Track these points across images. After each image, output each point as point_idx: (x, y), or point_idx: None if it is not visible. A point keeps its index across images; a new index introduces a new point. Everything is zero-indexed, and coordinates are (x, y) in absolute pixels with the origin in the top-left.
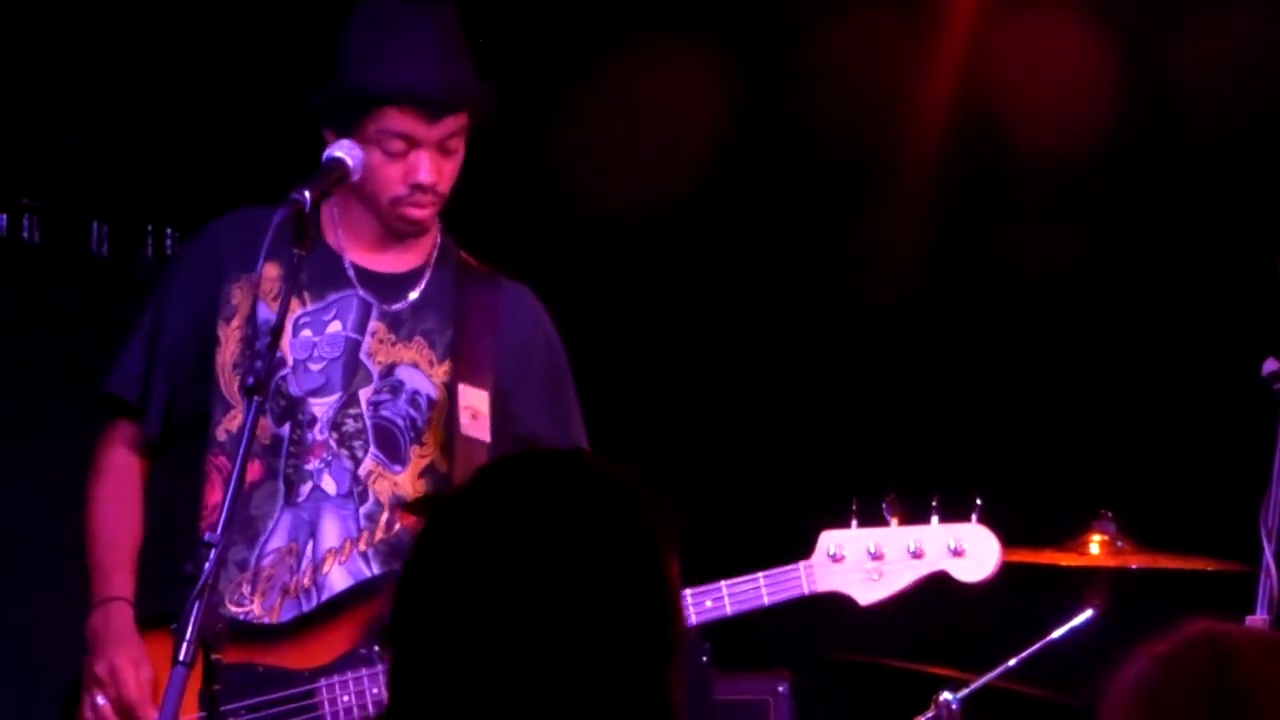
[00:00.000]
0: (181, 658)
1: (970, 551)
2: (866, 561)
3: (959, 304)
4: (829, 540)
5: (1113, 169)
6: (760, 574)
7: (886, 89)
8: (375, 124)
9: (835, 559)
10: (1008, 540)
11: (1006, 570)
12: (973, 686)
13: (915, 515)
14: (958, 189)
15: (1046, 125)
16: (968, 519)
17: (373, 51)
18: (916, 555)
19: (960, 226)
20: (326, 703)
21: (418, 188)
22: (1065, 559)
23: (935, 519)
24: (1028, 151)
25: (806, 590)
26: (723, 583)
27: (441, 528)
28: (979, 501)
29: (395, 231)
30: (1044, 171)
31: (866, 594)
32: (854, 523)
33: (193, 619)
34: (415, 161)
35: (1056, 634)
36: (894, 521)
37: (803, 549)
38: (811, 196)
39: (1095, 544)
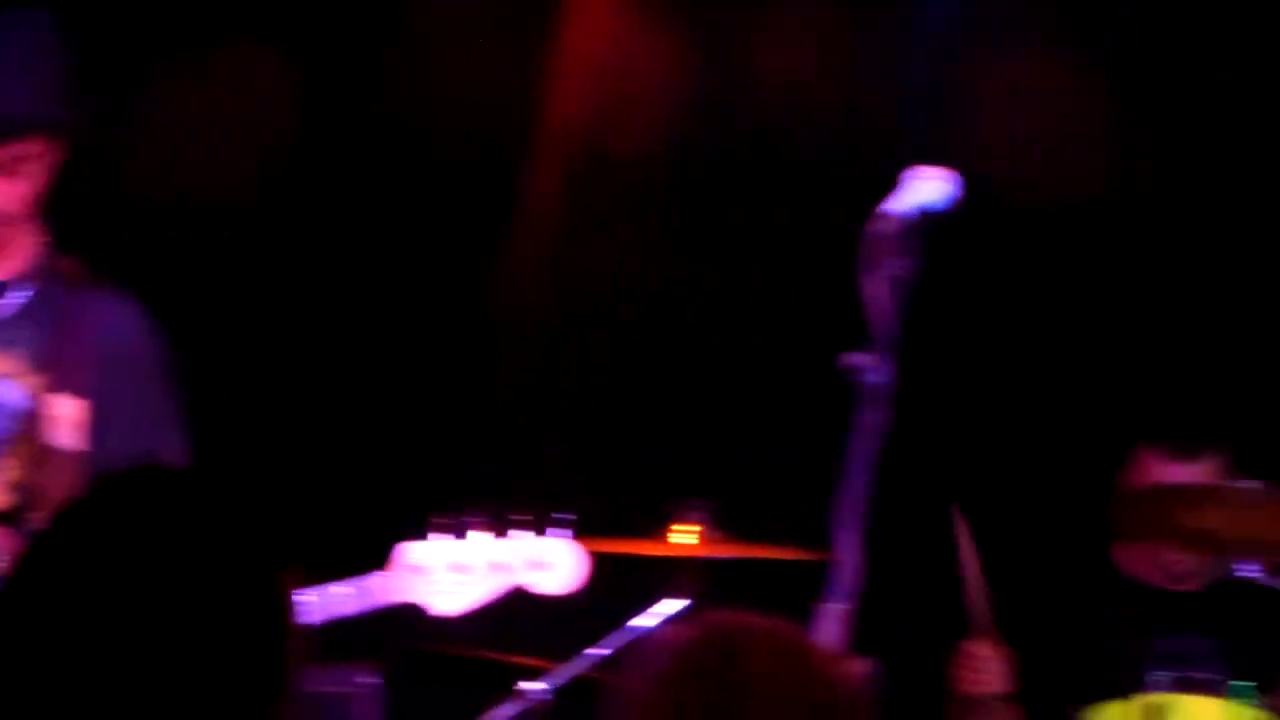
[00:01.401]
0: None
1: (551, 564)
2: (446, 573)
3: (550, 300)
4: (408, 551)
5: (689, 169)
6: (339, 583)
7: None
8: None
9: (414, 570)
10: (598, 530)
11: (599, 561)
12: (560, 675)
13: (496, 526)
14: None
15: (623, 127)
16: (549, 529)
17: None
18: (497, 568)
19: (560, 232)
20: None
21: None
22: (656, 548)
23: (517, 531)
24: (603, 154)
25: (384, 601)
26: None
27: (45, 544)
28: (560, 514)
29: None
30: (625, 176)
31: (445, 605)
32: (435, 534)
33: None
34: None
35: (648, 623)
36: (475, 533)
37: (382, 558)
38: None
39: (686, 533)
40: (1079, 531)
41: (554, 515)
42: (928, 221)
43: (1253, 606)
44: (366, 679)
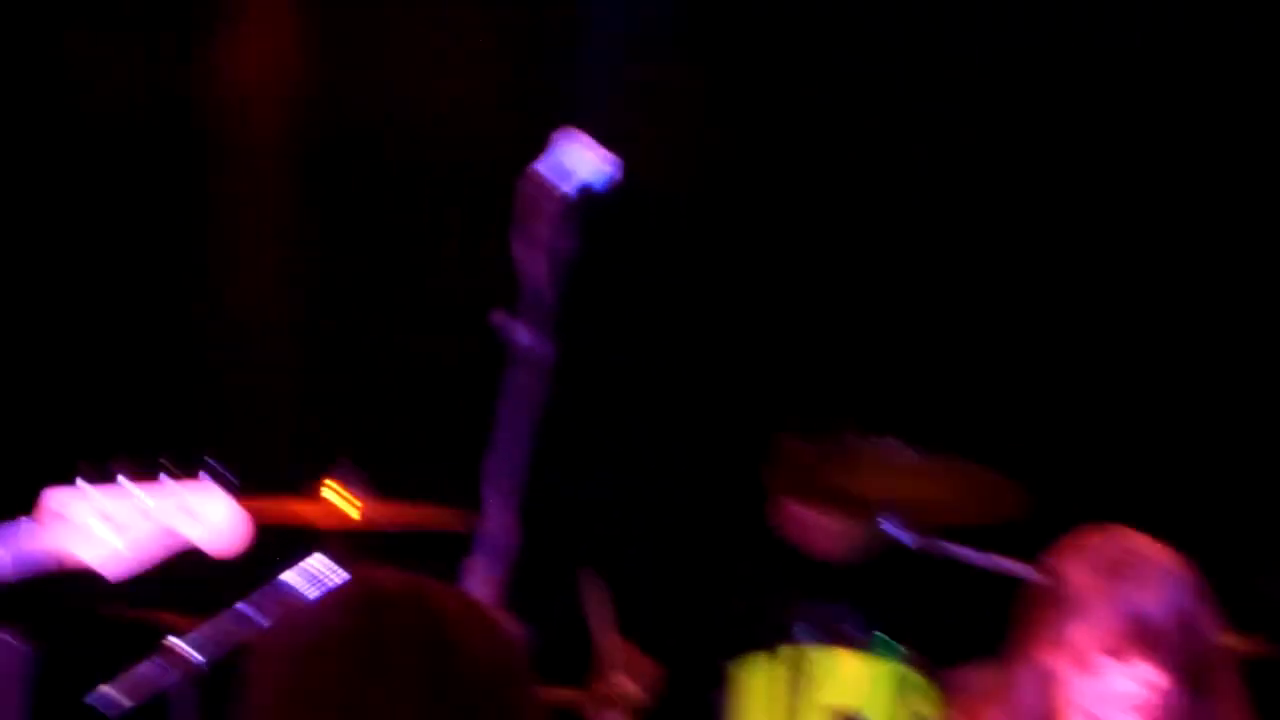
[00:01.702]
0: None
1: (205, 513)
2: (95, 521)
3: (209, 263)
4: (55, 498)
5: (347, 145)
6: None
7: None
8: None
9: (61, 519)
10: (248, 489)
11: (251, 519)
12: (207, 633)
13: (149, 475)
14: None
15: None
16: (203, 478)
17: None
18: (148, 515)
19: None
20: None
21: None
22: (305, 509)
23: (170, 480)
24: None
25: (29, 553)
26: None
27: None
28: (215, 465)
29: None
30: (285, 153)
31: (94, 554)
32: (85, 482)
33: None
34: None
35: (296, 581)
36: (124, 480)
37: (28, 508)
38: None
39: (338, 494)
40: (734, 492)
41: (209, 465)
42: (585, 200)
43: (901, 568)
44: (9, 638)
